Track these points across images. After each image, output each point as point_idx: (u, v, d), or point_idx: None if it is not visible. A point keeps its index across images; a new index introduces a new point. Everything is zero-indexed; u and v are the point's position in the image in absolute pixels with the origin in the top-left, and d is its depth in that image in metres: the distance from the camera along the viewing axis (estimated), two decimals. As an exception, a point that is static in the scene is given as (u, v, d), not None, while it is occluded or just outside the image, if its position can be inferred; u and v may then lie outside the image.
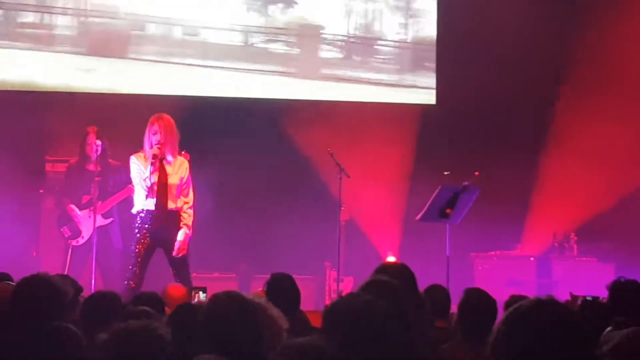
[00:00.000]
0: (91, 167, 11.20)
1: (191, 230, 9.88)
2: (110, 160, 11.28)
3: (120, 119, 11.62)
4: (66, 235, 11.25)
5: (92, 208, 10.93)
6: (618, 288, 6.01)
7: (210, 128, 12.66)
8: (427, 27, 14.04)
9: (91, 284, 10.32)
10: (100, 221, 10.96)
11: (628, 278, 6.18)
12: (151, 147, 9.75)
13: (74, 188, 11.32)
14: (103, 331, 4.15)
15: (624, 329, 4.32)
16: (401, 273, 5.11)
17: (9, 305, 5.37)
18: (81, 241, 11.20)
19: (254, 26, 13.77)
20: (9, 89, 13.12)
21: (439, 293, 6.61)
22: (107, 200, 11.08)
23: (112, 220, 11.24)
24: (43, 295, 5.23)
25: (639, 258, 11.56)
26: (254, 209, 12.14)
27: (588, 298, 6.53)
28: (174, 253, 9.74)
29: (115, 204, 11.12)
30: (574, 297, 7.49)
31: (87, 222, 11.11)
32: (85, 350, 4.58)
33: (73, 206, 11.24)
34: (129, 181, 10.53)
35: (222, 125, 12.98)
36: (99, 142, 11.06)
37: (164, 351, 3.89)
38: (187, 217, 9.87)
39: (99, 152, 11.14)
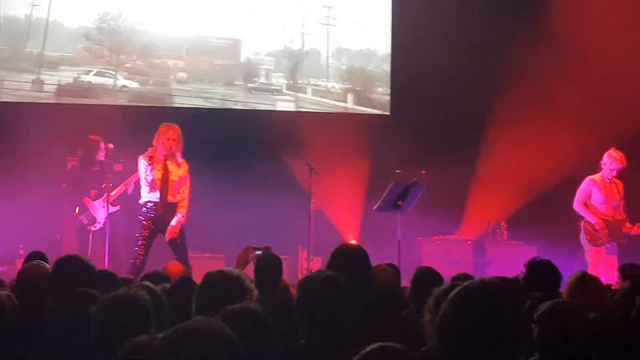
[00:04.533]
0: (96, 167, 11.29)
1: (185, 218, 9.91)
2: (108, 159, 11.36)
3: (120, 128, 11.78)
4: (84, 222, 11.24)
5: (104, 199, 10.92)
6: (533, 266, 6.04)
7: (207, 135, 12.66)
8: (383, 48, 14.04)
9: (104, 259, 10.46)
10: (111, 209, 10.99)
11: (542, 258, 6.14)
12: (160, 150, 9.83)
13: (84, 184, 11.31)
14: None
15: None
16: (358, 253, 5.26)
17: (49, 278, 5.38)
18: (98, 226, 11.19)
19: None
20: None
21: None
22: (110, 193, 11.04)
23: (119, 208, 11.25)
24: (78, 270, 5.25)
25: (557, 241, 11.50)
26: (241, 201, 12.08)
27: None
28: (166, 236, 9.80)
29: (119, 194, 11.08)
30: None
31: (100, 211, 11.17)
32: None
33: (88, 199, 11.23)
34: (126, 177, 10.91)
35: (217, 133, 13.04)
36: (110, 146, 11.24)
37: (147, 314, 3.91)
38: (182, 207, 9.89)
39: (105, 155, 11.30)
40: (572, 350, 3.85)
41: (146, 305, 3.92)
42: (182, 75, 13.66)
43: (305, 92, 14.01)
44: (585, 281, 5.51)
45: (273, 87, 13.93)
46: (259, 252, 6.92)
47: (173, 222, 9.82)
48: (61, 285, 5.08)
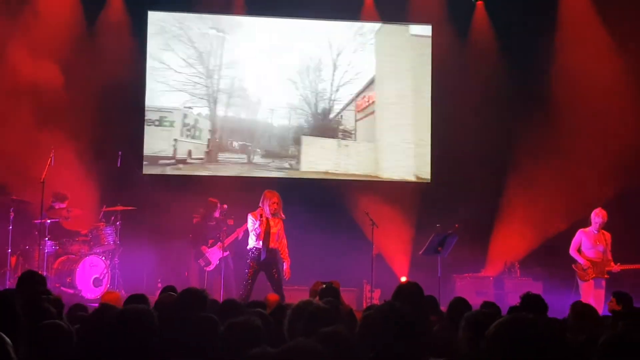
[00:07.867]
0: (213, 222, 11.63)
1: (289, 261, 9.98)
2: (222, 216, 11.62)
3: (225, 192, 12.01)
4: (202, 264, 11.56)
5: (218, 246, 11.22)
6: (526, 298, 5.85)
7: (298, 199, 12.23)
8: (425, 127, 13.67)
9: (220, 291, 10.66)
10: (222, 254, 11.21)
11: (533, 292, 5.90)
12: (267, 210, 9.96)
13: (203, 235, 11.57)
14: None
15: None
16: (415, 289, 5.19)
17: (176, 305, 5.26)
18: (212, 267, 11.48)
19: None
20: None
21: (433, 300, 6.68)
22: (224, 241, 11.18)
23: (228, 253, 11.43)
24: (193, 298, 5.09)
25: (559, 278, 11.47)
26: (320, 247, 12.14)
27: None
28: (286, 277, 9.98)
29: (230, 242, 11.18)
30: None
31: (214, 255, 11.48)
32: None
33: (205, 247, 11.53)
34: (234, 229, 11.07)
35: (304, 196, 12.75)
36: (225, 207, 11.47)
37: (260, 335, 3.87)
38: (284, 254, 10.03)
39: (220, 213, 11.52)
40: None
41: (260, 328, 3.95)
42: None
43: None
44: (584, 309, 5.47)
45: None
46: (324, 286, 6.89)
47: (285, 266, 10.01)
48: (184, 309, 5.14)
